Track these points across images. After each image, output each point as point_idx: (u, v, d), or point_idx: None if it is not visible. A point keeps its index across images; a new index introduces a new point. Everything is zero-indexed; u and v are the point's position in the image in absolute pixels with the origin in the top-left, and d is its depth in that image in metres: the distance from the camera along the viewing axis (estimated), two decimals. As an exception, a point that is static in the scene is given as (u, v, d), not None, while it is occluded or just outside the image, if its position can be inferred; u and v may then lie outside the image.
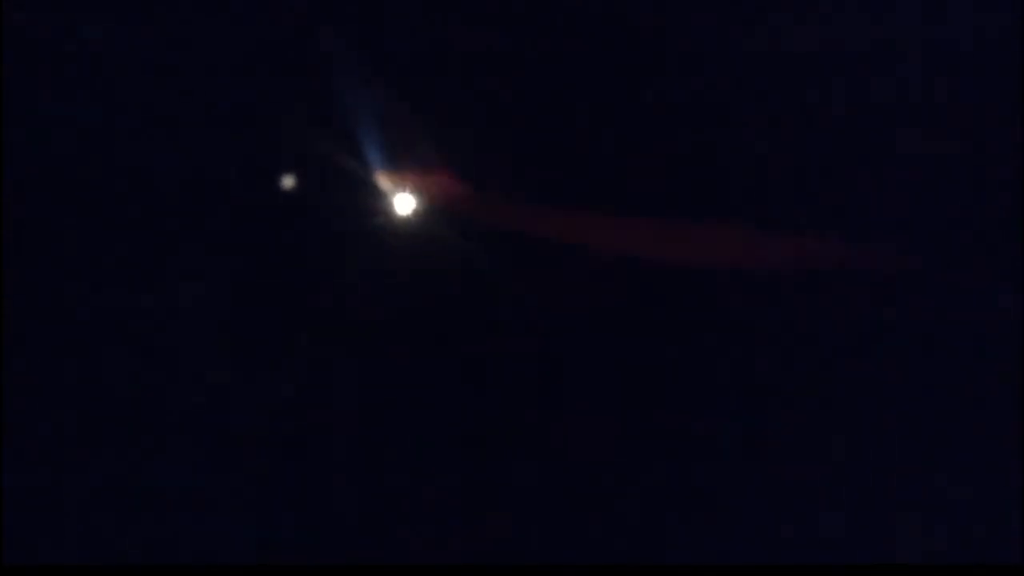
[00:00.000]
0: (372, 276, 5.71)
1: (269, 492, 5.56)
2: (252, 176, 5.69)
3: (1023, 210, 5.61)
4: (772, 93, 5.71)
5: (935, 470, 5.53)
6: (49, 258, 5.57)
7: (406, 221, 5.70)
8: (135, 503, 5.46)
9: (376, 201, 5.69)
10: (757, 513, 5.56)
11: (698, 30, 5.71)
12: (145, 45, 5.63)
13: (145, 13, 5.62)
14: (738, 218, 5.70)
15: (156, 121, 5.65)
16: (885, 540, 5.49)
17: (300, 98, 5.67)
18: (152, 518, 5.45)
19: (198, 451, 5.54)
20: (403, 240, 5.70)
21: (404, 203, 5.70)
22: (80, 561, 5.35)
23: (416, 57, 5.72)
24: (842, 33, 5.66)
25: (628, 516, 5.57)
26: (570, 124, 5.75)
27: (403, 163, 5.64)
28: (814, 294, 5.69)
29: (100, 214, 5.62)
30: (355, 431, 5.65)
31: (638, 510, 5.57)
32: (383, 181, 5.65)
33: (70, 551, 5.38)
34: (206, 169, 5.65)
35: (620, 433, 5.64)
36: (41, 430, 5.46)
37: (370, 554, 5.47)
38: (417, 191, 5.64)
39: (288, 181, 5.67)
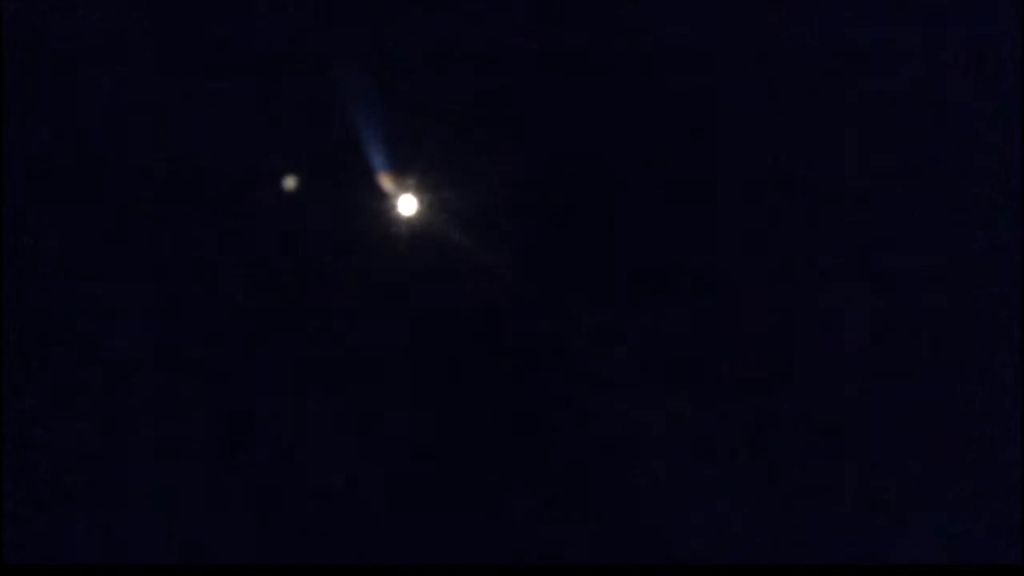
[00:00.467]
0: (372, 276, 5.71)
1: (269, 492, 5.56)
2: (253, 177, 5.69)
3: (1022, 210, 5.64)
4: (775, 93, 5.74)
5: (935, 470, 5.55)
6: (49, 257, 5.56)
7: (409, 222, 5.70)
8: (136, 503, 5.46)
9: (379, 203, 5.70)
10: (757, 514, 5.57)
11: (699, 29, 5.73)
12: (145, 45, 5.62)
13: (145, 14, 5.62)
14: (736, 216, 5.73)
15: (156, 122, 5.64)
16: (885, 540, 5.51)
17: (301, 99, 5.67)
18: (152, 518, 5.46)
19: (198, 451, 5.54)
20: (405, 241, 5.70)
21: (407, 205, 5.70)
22: (80, 561, 5.35)
23: (416, 57, 5.73)
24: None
25: (628, 516, 5.59)
26: (569, 124, 5.77)
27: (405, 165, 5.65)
28: (814, 295, 5.71)
29: (99, 214, 5.62)
30: (355, 431, 5.65)
31: (638, 510, 5.59)
32: (386, 183, 5.66)
33: (70, 551, 5.38)
34: (206, 170, 5.65)
35: (620, 432, 5.65)
36: (41, 430, 5.46)
37: (370, 554, 5.48)
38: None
39: (290, 182, 5.67)
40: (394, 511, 5.59)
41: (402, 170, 5.66)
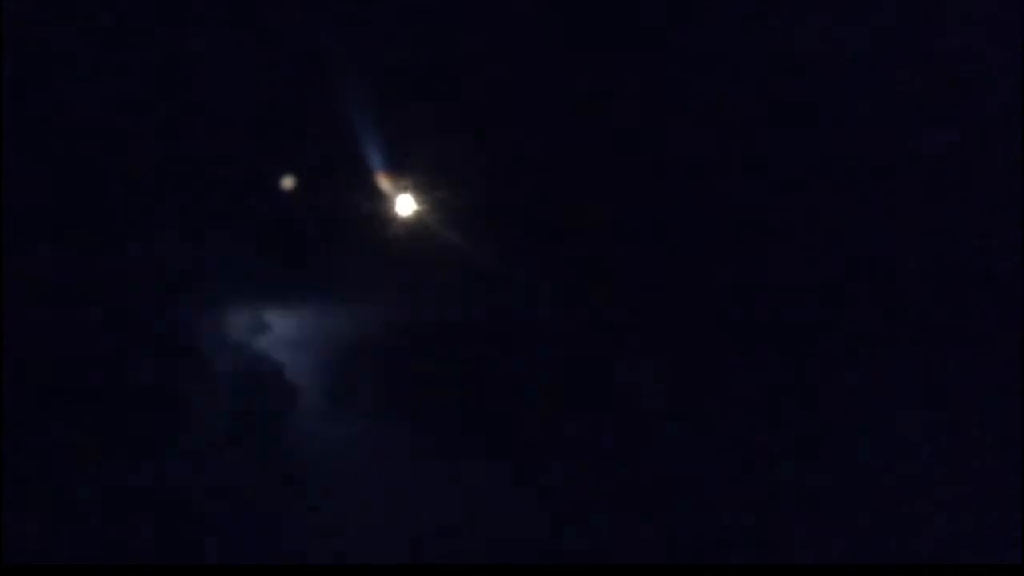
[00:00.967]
0: (373, 276, 5.72)
1: (269, 492, 5.56)
2: (253, 177, 5.70)
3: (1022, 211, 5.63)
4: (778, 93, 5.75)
5: (935, 470, 5.54)
6: (49, 257, 5.58)
7: (407, 222, 5.71)
8: (135, 503, 5.47)
9: (377, 203, 5.71)
10: (757, 514, 5.56)
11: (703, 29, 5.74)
12: (146, 46, 5.64)
13: (146, 13, 5.64)
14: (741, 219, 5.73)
15: (156, 122, 5.66)
16: (885, 540, 5.49)
17: (301, 100, 5.69)
18: (151, 518, 5.46)
19: (198, 451, 5.55)
20: (404, 241, 5.71)
21: (405, 204, 5.72)
22: (80, 561, 5.35)
23: (415, 58, 5.74)
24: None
25: (629, 516, 5.58)
26: (569, 125, 5.78)
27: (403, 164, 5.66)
28: (814, 296, 5.71)
29: (99, 214, 5.63)
30: (355, 430, 5.65)
31: (638, 510, 5.59)
32: (384, 183, 5.67)
33: (70, 551, 5.38)
34: (205, 169, 5.66)
35: (620, 431, 5.64)
36: (41, 430, 5.47)
37: (370, 554, 5.48)
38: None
39: (288, 182, 5.68)
40: (393, 510, 5.59)
41: (400, 170, 5.68)
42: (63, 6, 5.55)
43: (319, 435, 5.62)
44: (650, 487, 5.59)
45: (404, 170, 5.68)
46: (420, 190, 5.70)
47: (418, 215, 5.71)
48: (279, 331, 5.69)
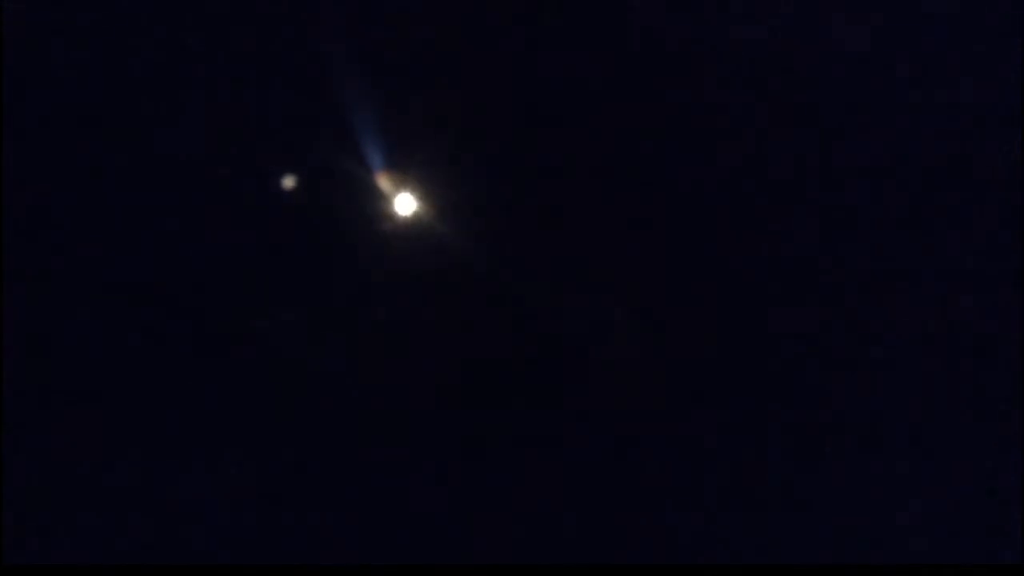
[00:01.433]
0: (373, 276, 5.72)
1: (269, 492, 5.56)
2: (253, 177, 5.70)
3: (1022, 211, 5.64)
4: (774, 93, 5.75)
5: (934, 470, 5.54)
6: (49, 257, 5.58)
7: (407, 222, 5.71)
8: (135, 503, 5.47)
9: (377, 203, 5.70)
10: (757, 514, 5.56)
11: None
12: (146, 46, 5.64)
13: (146, 14, 5.64)
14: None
15: (156, 123, 5.66)
16: (885, 540, 5.50)
17: (301, 99, 5.69)
18: (152, 518, 5.46)
19: (198, 451, 5.55)
20: (404, 241, 5.71)
21: (405, 204, 5.71)
22: (80, 561, 5.36)
23: (414, 58, 5.74)
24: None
25: (628, 517, 5.59)
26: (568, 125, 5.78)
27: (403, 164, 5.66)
28: (813, 295, 5.71)
29: (99, 215, 5.63)
30: (355, 430, 5.65)
31: (638, 510, 5.59)
32: (384, 183, 5.66)
33: (70, 551, 5.39)
34: (204, 169, 5.66)
35: (620, 433, 5.65)
36: (41, 430, 5.47)
37: (370, 554, 5.48)
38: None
39: (288, 182, 5.68)
40: (392, 510, 5.59)
41: (399, 169, 5.67)
42: (63, 6, 5.56)
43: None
44: (650, 487, 5.61)
45: (404, 169, 5.68)
46: (420, 190, 5.71)
47: (418, 215, 5.71)
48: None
